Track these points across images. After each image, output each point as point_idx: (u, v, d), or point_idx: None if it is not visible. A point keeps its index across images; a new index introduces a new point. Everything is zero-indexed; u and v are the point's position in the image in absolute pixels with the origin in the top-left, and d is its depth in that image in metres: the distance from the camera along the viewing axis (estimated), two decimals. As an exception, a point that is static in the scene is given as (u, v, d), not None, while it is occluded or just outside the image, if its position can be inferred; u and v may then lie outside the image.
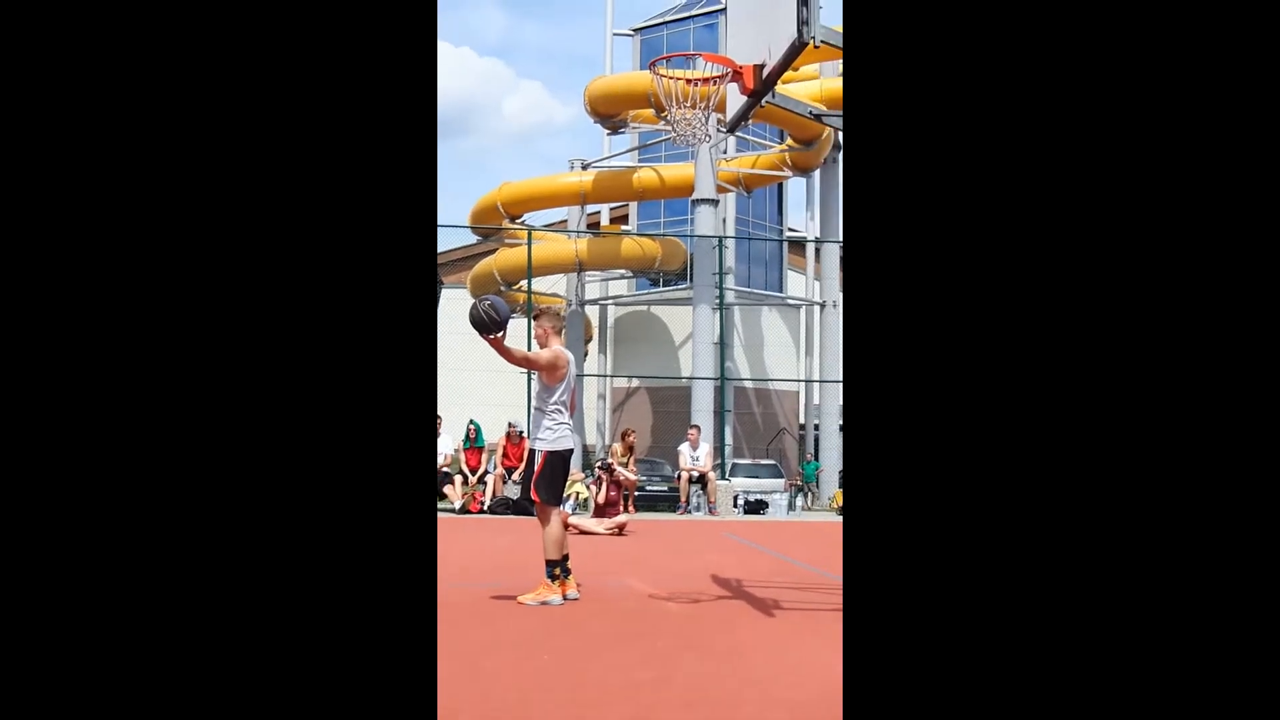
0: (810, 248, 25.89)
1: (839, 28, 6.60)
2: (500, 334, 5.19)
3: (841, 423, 20.26)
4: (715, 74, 5.21)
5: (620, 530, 10.02)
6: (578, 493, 12.43)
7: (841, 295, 22.38)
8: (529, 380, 5.71)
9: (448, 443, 12.85)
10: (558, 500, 5.64)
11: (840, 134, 20.73)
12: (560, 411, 5.54)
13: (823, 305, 23.89)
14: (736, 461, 19.46)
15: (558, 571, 5.42)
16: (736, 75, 5.01)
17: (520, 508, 11.58)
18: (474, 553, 8.10)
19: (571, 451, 5.68)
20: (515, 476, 12.32)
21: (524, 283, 20.61)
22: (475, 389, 23.58)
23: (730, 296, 21.16)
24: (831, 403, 22.67)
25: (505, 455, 12.78)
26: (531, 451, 5.64)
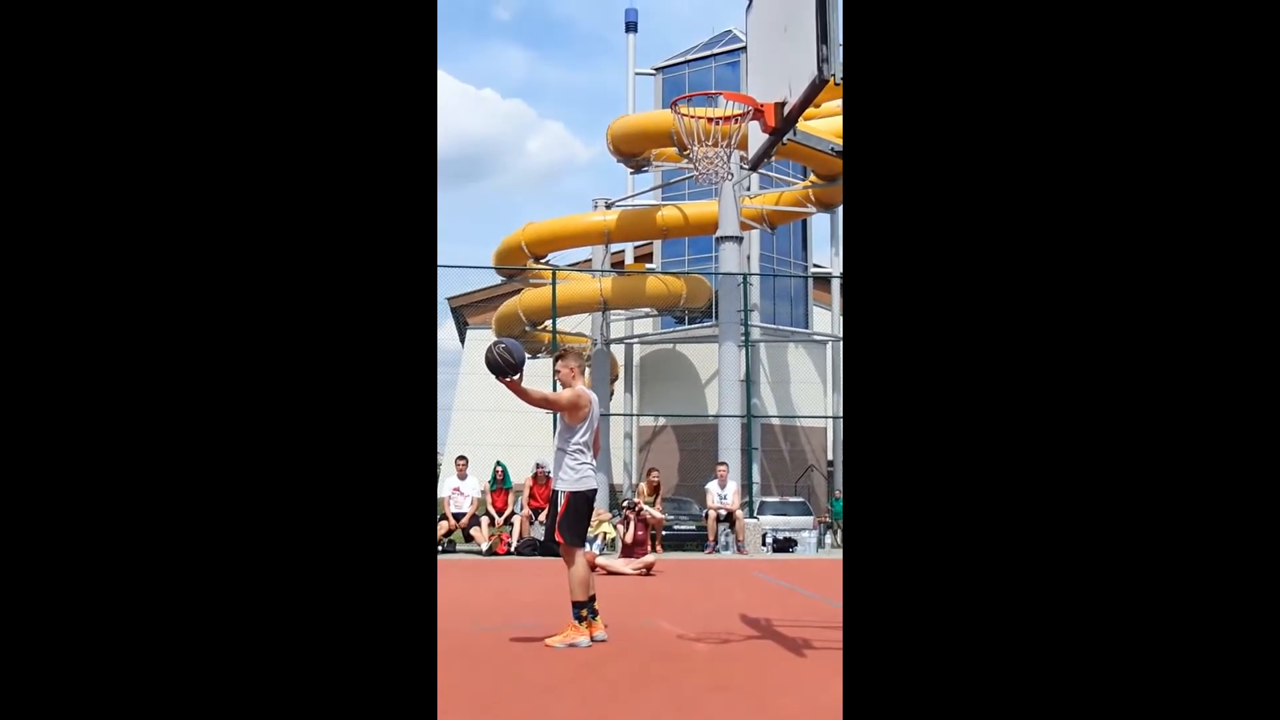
0: (835, 283, 25.84)
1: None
2: (516, 376, 5.17)
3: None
4: (736, 112, 5.22)
5: (648, 570, 9.94)
6: (605, 533, 12.37)
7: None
8: (554, 421, 5.68)
9: (474, 485, 12.83)
10: (582, 541, 5.60)
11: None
12: (583, 451, 5.52)
13: (849, 341, 23.85)
14: (764, 499, 19.33)
15: (584, 613, 5.37)
16: (758, 114, 5.01)
17: (547, 549, 11.52)
18: (500, 595, 8.06)
19: (595, 491, 5.65)
20: (541, 518, 12.28)
21: (549, 322, 20.65)
22: (502, 430, 23.60)
23: (756, 333, 21.13)
24: (859, 439, 22.55)
25: (532, 496, 12.75)
26: (555, 493, 5.61)
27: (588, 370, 23.26)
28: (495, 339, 5.73)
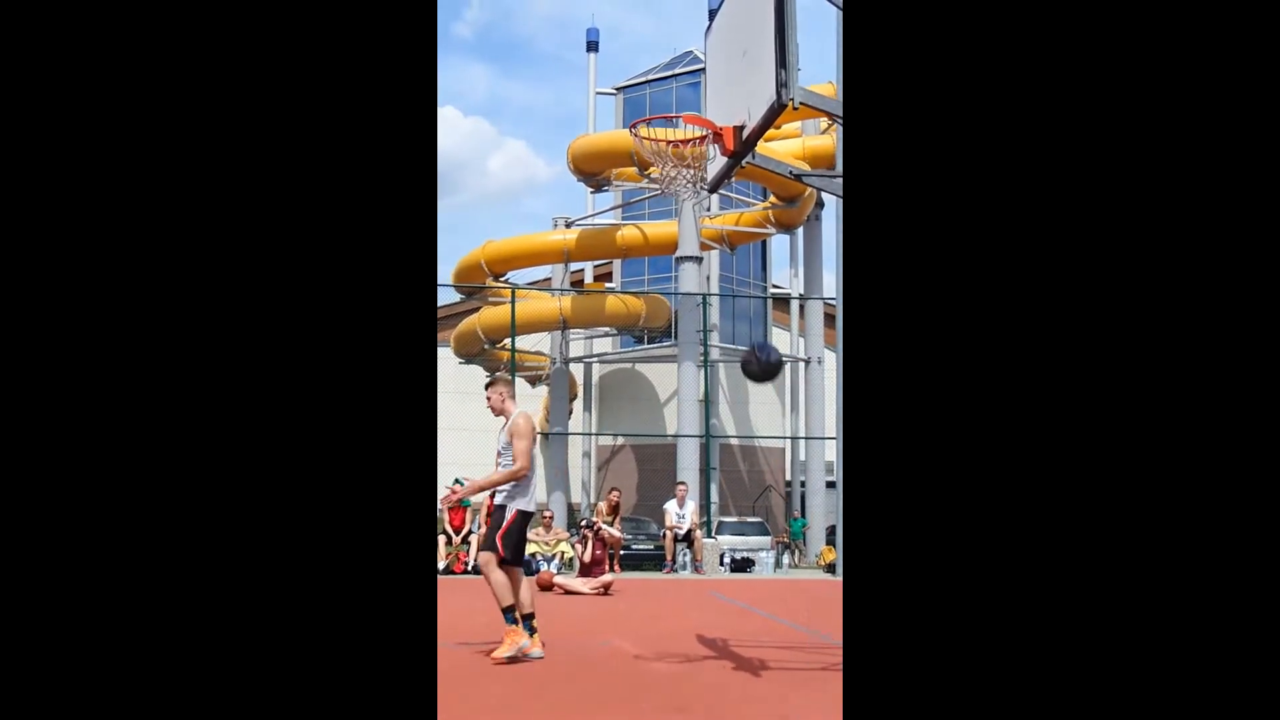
0: (794, 304, 25.98)
1: (817, 89, 6.70)
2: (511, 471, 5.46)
3: (829, 479, 20.19)
4: (696, 135, 5.26)
5: (606, 590, 9.92)
6: (563, 552, 12.33)
7: (828, 352, 22.46)
8: (499, 438, 5.71)
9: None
10: (520, 559, 5.60)
11: (822, 193, 20.91)
12: (532, 470, 5.57)
13: (807, 361, 23.94)
14: (722, 519, 19.35)
15: (519, 617, 5.38)
16: (717, 136, 5.05)
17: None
18: (457, 614, 8.00)
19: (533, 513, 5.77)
20: (461, 538, 12.46)
21: (508, 341, 20.58)
22: (458, 449, 23.46)
23: (715, 353, 21.19)
24: (817, 459, 22.62)
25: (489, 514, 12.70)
26: (501, 507, 5.62)
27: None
28: (762, 343, 5.88)
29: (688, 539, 13.47)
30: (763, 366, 5.47)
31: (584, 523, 11.93)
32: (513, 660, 5.24)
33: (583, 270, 27.14)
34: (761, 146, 5.31)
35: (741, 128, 4.92)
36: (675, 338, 22.25)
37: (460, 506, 13.09)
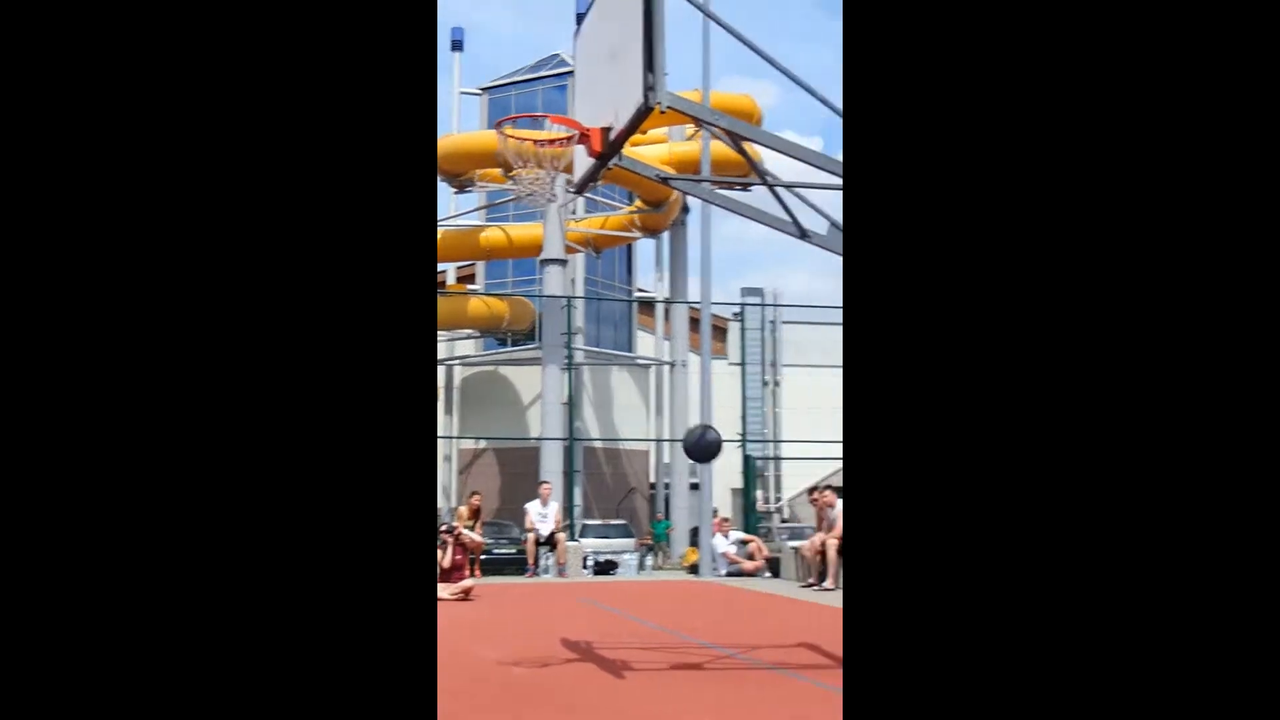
0: (659, 308, 26.17)
1: (685, 94, 6.75)
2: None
3: (693, 481, 20.37)
4: (562, 135, 5.24)
5: (466, 595, 9.80)
6: (424, 557, 12.12)
7: (693, 355, 22.67)
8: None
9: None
10: None
11: (688, 197, 21.14)
12: None
13: (672, 365, 24.13)
14: (586, 522, 19.37)
15: None
16: (584, 138, 5.04)
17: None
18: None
19: None
20: None
21: (369, 342, 20.18)
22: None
23: (579, 356, 21.20)
24: (681, 461, 22.83)
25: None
26: None
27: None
28: (704, 425, 5.91)
29: (550, 542, 13.41)
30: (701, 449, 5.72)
31: (444, 527, 11.76)
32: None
33: (445, 271, 26.82)
34: (628, 150, 5.32)
35: (609, 130, 4.92)
36: (539, 340, 22.16)
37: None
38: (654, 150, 20.92)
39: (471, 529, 11.69)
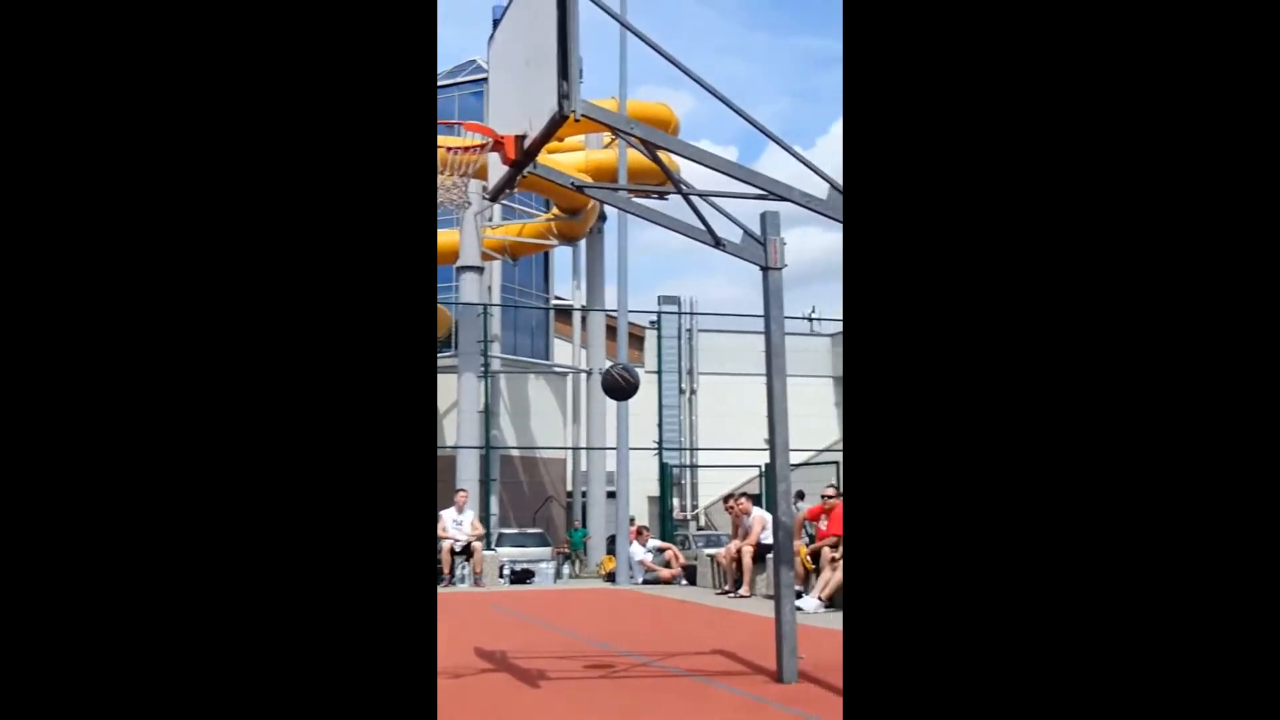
0: (576, 316, 26.15)
1: (600, 103, 6.76)
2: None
3: (610, 489, 20.36)
4: (476, 142, 5.20)
5: (381, 606, 9.67)
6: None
7: (609, 363, 22.66)
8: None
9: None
10: None
11: (605, 206, 21.16)
12: None
13: (589, 373, 24.11)
14: (503, 531, 19.24)
15: None
16: (498, 145, 5.02)
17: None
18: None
19: None
20: None
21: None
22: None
23: (496, 364, 21.06)
24: (598, 469, 22.81)
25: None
26: None
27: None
28: (611, 362, 5.79)
29: (466, 551, 13.29)
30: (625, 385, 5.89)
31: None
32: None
33: (361, 278, 26.51)
34: (544, 158, 5.31)
35: (523, 137, 4.90)
36: (455, 348, 22.00)
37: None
38: (571, 158, 20.93)
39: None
